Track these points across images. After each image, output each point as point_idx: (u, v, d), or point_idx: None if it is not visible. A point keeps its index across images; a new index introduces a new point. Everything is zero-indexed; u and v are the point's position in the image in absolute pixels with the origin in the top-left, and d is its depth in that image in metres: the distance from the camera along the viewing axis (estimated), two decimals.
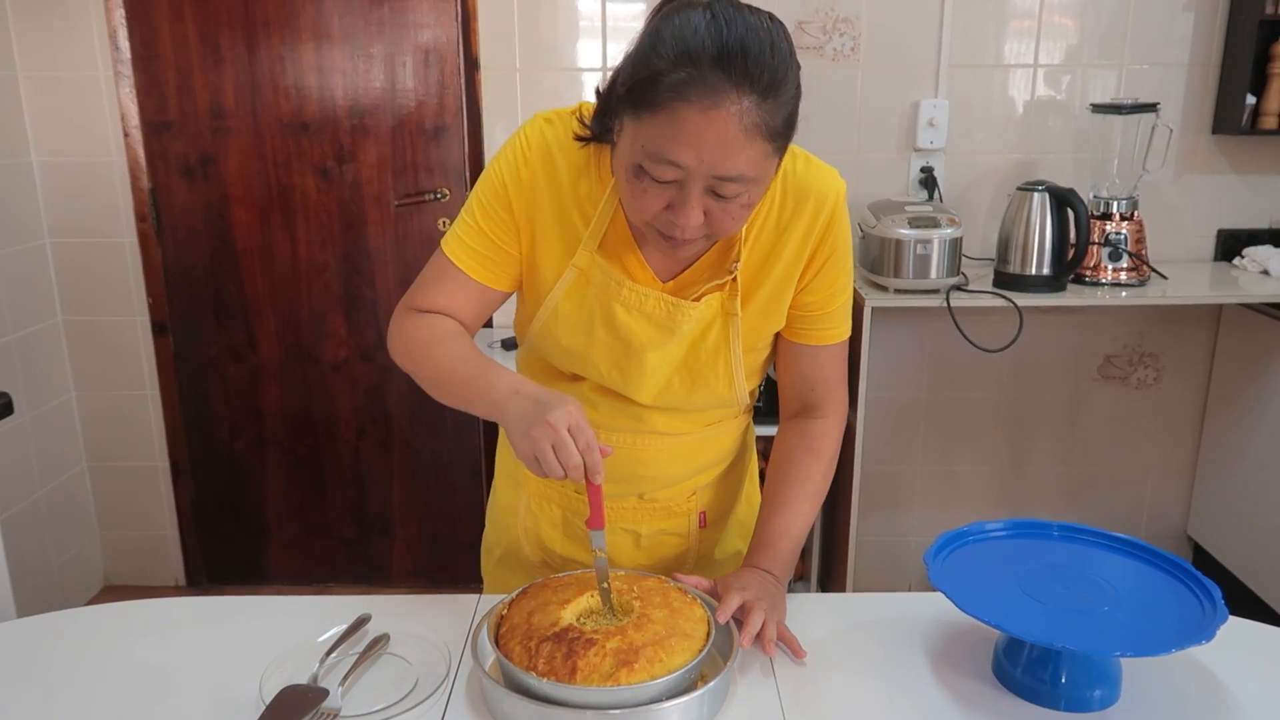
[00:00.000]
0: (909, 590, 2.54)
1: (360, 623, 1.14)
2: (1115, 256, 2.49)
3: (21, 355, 2.76)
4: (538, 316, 1.20)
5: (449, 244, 1.18)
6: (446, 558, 3.14)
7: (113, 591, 3.13)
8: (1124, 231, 2.49)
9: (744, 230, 1.13)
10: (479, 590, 1.32)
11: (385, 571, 3.17)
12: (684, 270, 1.18)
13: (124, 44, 2.72)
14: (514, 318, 1.30)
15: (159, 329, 2.93)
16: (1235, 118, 2.61)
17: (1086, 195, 2.52)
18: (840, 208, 1.17)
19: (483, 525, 1.46)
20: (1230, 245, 2.78)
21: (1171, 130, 2.61)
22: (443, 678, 1.05)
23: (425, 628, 1.14)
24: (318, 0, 2.70)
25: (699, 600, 1.10)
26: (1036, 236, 2.43)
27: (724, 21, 0.94)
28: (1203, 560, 2.89)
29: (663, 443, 1.26)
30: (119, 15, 2.69)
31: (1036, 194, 2.43)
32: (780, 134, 0.98)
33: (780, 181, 1.14)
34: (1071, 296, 2.45)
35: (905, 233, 2.39)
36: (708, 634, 1.04)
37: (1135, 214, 2.52)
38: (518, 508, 1.37)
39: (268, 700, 0.99)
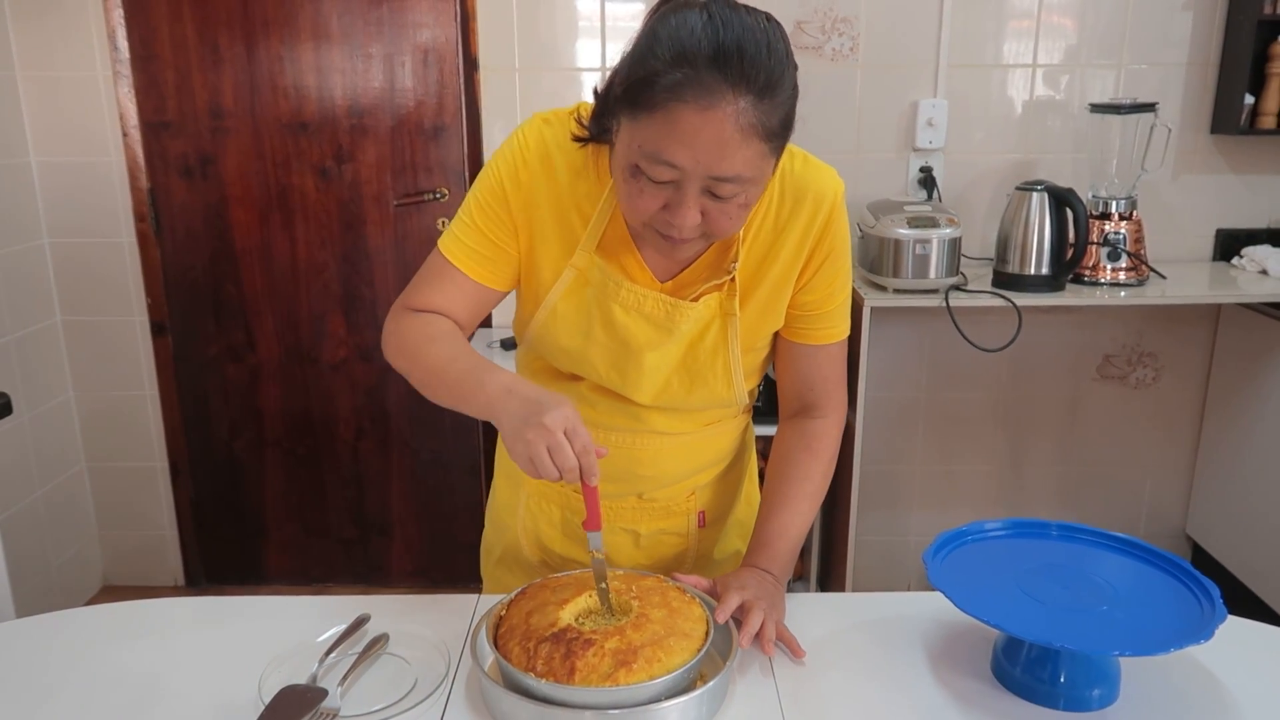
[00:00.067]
0: (908, 590, 2.55)
1: (359, 623, 1.14)
2: (1114, 256, 2.49)
3: (20, 355, 2.76)
4: (536, 317, 1.20)
5: (446, 243, 1.18)
6: (445, 558, 3.14)
7: (112, 592, 3.13)
8: (1123, 231, 2.49)
9: (742, 230, 1.13)
10: (478, 590, 1.32)
11: (384, 571, 3.16)
12: (682, 270, 1.18)
13: (123, 44, 2.71)
14: (513, 318, 1.30)
15: (158, 329, 2.93)
16: (1234, 117, 2.61)
17: (1085, 195, 2.52)
18: (838, 207, 1.17)
19: (482, 525, 1.46)
20: (1229, 245, 2.78)
21: (1170, 130, 2.61)
22: (442, 678, 1.06)
23: (424, 628, 1.14)
24: (316, 0, 2.70)
25: (698, 600, 1.10)
26: (1035, 236, 2.43)
27: (720, 22, 0.94)
28: (1201, 560, 2.90)
29: (661, 442, 1.26)
30: (118, 15, 2.69)
31: (1035, 194, 2.43)
32: (777, 134, 0.98)
33: (778, 181, 1.14)
34: (1070, 296, 2.45)
35: (904, 232, 2.39)
36: (706, 634, 1.04)
37: (1134, 214, 2.52)
38: (517, 508, 1.37)
39: (267, 700, 0.99)
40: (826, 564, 2.78)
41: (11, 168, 2.73)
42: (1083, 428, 2.96)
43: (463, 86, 2.74)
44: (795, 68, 0.99)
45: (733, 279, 1.15)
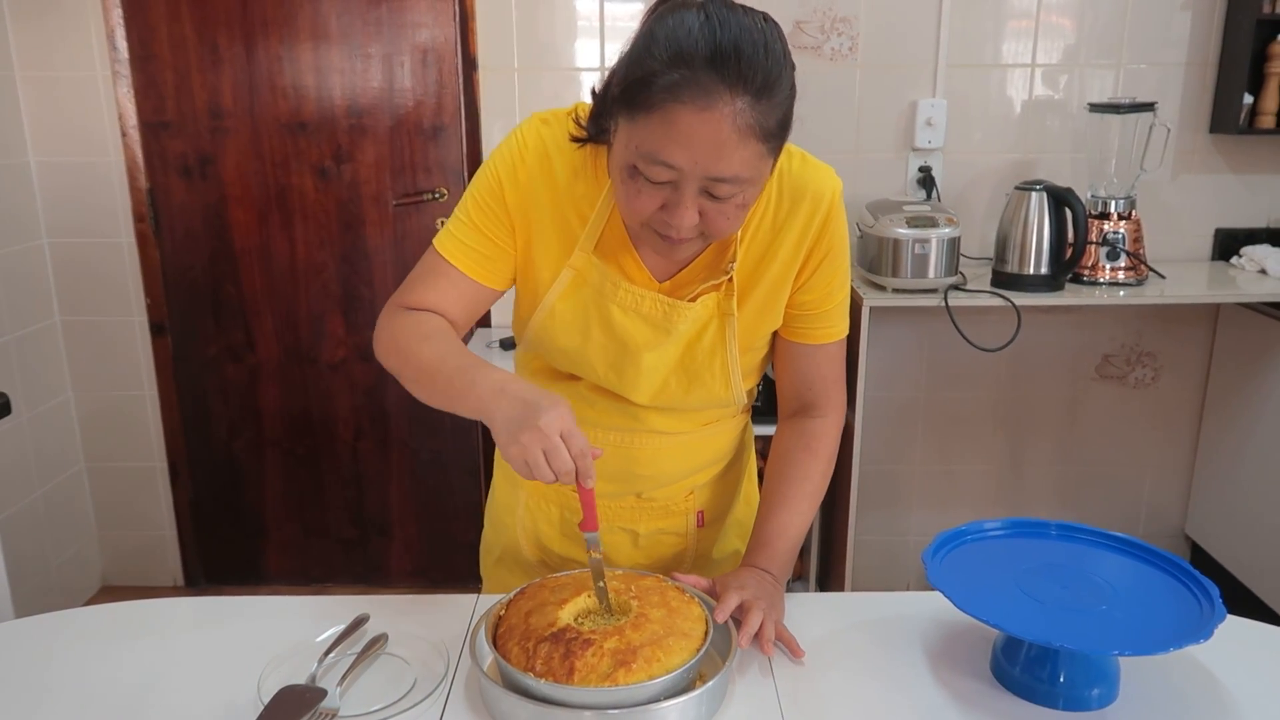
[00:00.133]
0: (907, 589, 2.55)
1: (358, 623, 1.14)
2: (1113, 256, 2.49)
3: (19, 356, 2.76)
4: (534, 317, 1.20)
5: (442, 241, 1.17)
6: (445, 558, 3.14)
7: (111, 592, 3.13)
8: (1122, 231, 2.49)
9: (740, 230, 1.13)
10: (477, 590, 1.32)
11: (383, 571, 3.16)
12: (680, 271, 1.18)
13: (121, 44, 2.71)
14: (511, 318, 1.29)
15: (157, 329, 2.93)
16: (1233, 117, 2.61)
17: (1084, 195, 2.52)
18: (836, 206, 1.17)
19: (481, 525, 1.46)
20: (1228, 244, 2.78)
21: (1169, 129, 2.61)
22: (441, 678, 1.05)
23: (423, 628, 1.14)
24: (315, 0, 2.70)
25: (697, 599, 1.10)
26: (1034, 236, 2.43)
27: (718, 22, 0.93)
28: (1200, 559, 2.90)
29: (660, 442, 1.26)
30: (116, 15, 2.69)
31: (1034, 193, 2.43)
32: (775, 135, 0.98)
33: (776, 180, 1.14)
34: (1069, 296, 2.45)
35: (903, 232, 2.40)
36: (706, 633, 1.04)
37: (1133, 213, 2.52)
38: (516, 507, 1.37)
39: (266, 700, 0.99)
40: (826, 564, 2.78)
41: (10, 168, 2.73)
42: (1082, 427, 2.96)
43: (462, 86, 2.74)
44: (793, 68, 0.99)
45: (730, 279, 1.15)
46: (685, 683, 0.98)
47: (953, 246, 2.42)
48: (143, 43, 2.73)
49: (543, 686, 0.94)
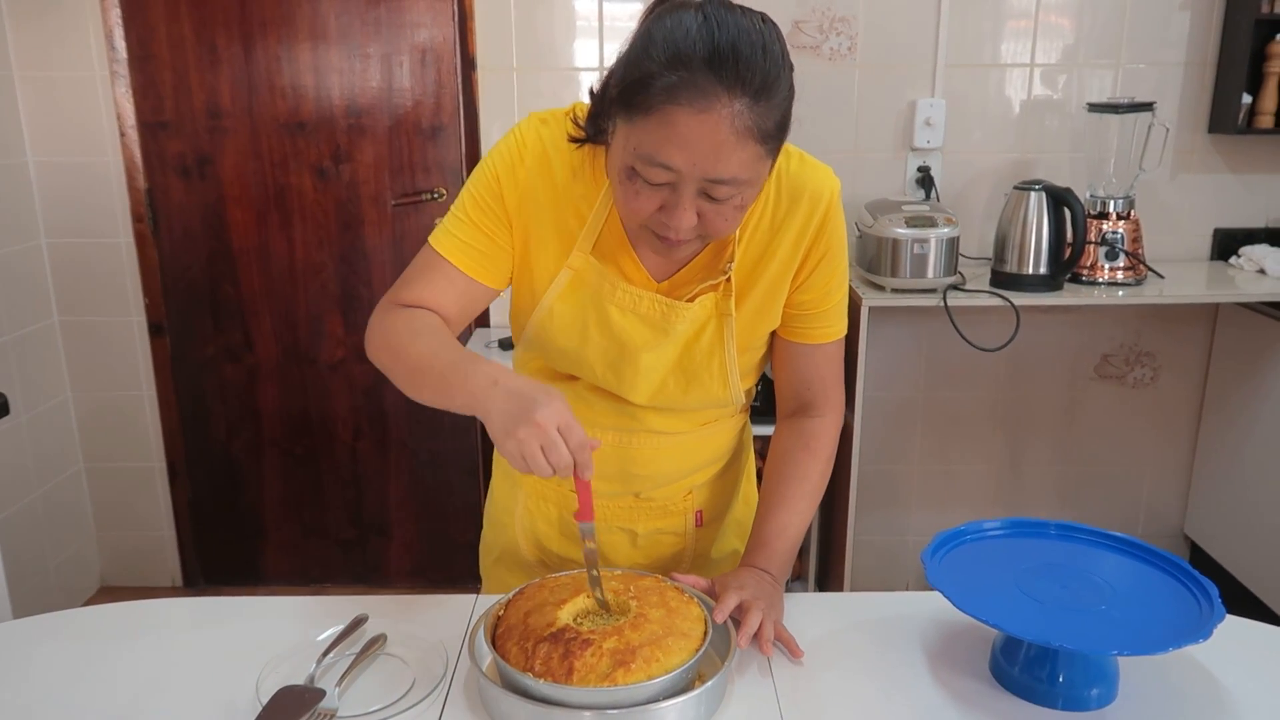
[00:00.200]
0: (906, 589, 2.55)
1: (357, 623, 1.14)
2: (1112, 256, 2.49)
3: (18, 356, 2.76)
4: (533, 317, 1.20)
5: (438, 238, 1.16)
6: (444, 558, 3.14)
7: (109, 592, 3.12)
8: (1120, 231, 2.49)
9: (738, 230, 1.13)
10: (476, 590, 1.32)
11: (382, 572, 3.16)
12: (678, 271, 1.18)
13: (120, 44, 2.71)
14: (509, 318, 1.29)
15: (155, 329, 2.92)
16: (1231, 117, 2.61)
17: (1083, 194, 2.52)
18: (835, 206, 1.17)
19: (480, 525, 1.46)
20: (1227, 244, 2.78)
21: (1168, 129, 2.61)
22: (440, 678, 1.05)
23: (422, 628, 1.14)
24: (314, 0, 2.70)
25: (696, 599, 1.09)
26: (1033, 236, 2.43)
27: (716, 23, 0.93)
28: (1199, 559, 2.90)
29: (658, 442, 1.26)
30: (115, 15, 2.69)
31: (1033, 193, 2.43)
32: (773, 136, 0.98)
33: (774, 180, 1.14)
34: (1068, 296, 2.45)
35: (902, 232, 2.40)
36: (705, 633, 1.03)
37: (1132, 213, 2.52)
38: (514, 507, 1.37)
39: (264, 700, 0.99)
40: (825, 564, 2.78)
41: (9, 168, 2.73)
42: (1081, 427, 2.96)
43: (460, 86, 2.74)
44: (791, 69, 0.99)
45: (728, 279, 1.15)
46: (684, 683, 0.98)
47: (951, 246, 2.42)
48: (141, 43, 2.72)
49: (542, 687, 0.94)
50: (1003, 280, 2.48)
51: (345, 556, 3.15)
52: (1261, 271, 2.58)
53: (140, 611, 1.23)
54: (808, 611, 1.20)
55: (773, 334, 1.25)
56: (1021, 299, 2.41)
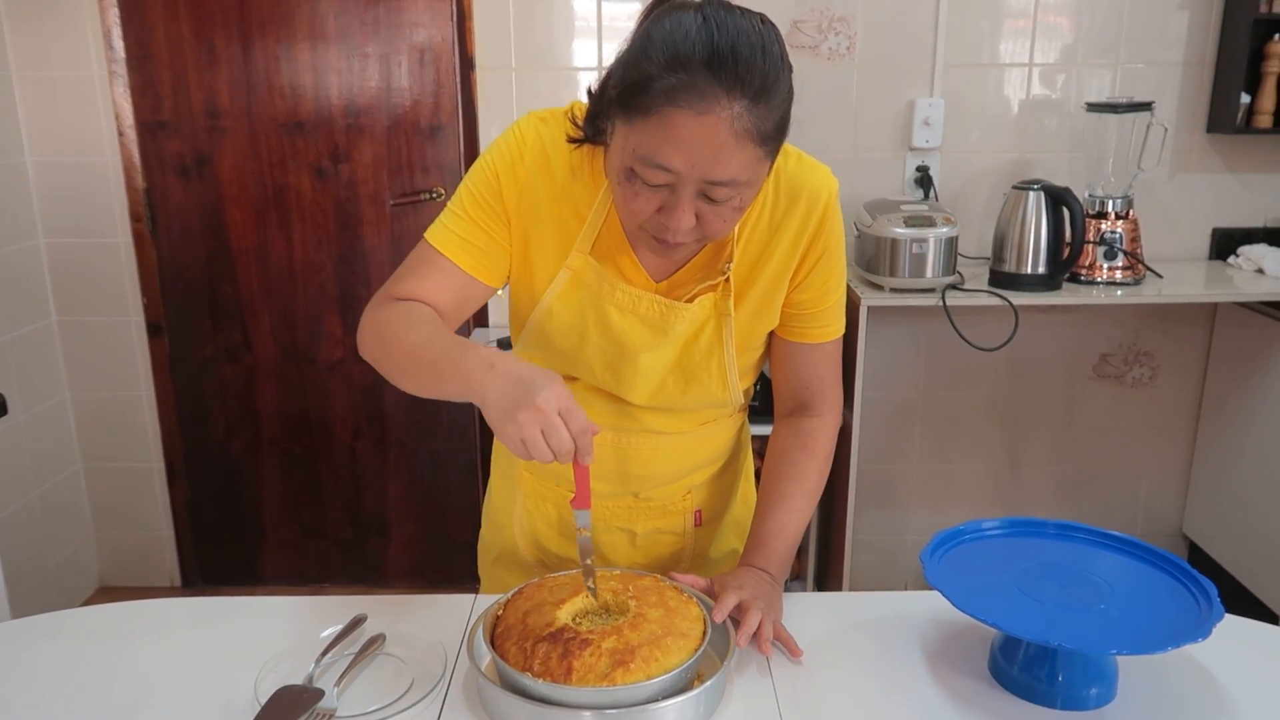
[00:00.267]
0: (905, 589, 2.54)
1: (356, 623, 1.14)
2: (1110, 255, 2.49)
3: (16, 356, 2.75)
4: (532, 317, 1.20)
5: (434, 233, 1.15)
6: (442, 558, 3.14)
7: (108, 593, 3.12)
8: (1119, 230, 2.49)
9: (736, 230, 1.13)
10: (475, 590, 1.32)
11: (381, 572, 3.16)
12: (677, 271, 1.18)
13: (118, 44, 2.71)
14: (509, 317, 1.29)
15: (154, 329, 2.92)
16: (1230, 116, 2.61)
17: (1082, 194, 2.52)
18: (833, 205, 1.17)
19: (479, 525, 1.46)
20: (1225, 244, 2.78)
21: (1166, 129, 2.61)
22: (439, 678, 1.05)
23: (421, 628, 1.14)
24: (313, 0, 2.70)
25: (695, 599, 1.09)
26: (1032, 235, 2.43)
27: (715, 25, 0.93)
28: (1198, 558, 2.90)
29: (657, 441, 1.26)
30: (113, 15, 2.68)
31: (1032, 193, 2.43)
32: (772, 138, 0.98)
33: (772, 180, 1.14)
34: (1067, 295, 2.45)
35: (901, 232, 2.40)
36: (704, 633, 1.03)
37: (1130, 213, 2.52)
38: (513, 508, 1.37)
39: (263, 701, 0.99)
40: (824, 563, 2.78)
41: (7, 167, 2.72)
42: (1079, 427, 2.96)
43: (459, 86, 2.74)
44: (790, 70, 0.99)
45: (727, 279, 1.15)
46: (683, 683, 0.98)
47: (950, 246, 2.42)
48: (139, 42, 2.72)
49: (541, 686, 0.94)
50: (1001, 280, 2.48)
51: (344, 556, 3.15)
52: (1260, 271, 2.59)
53: (139, 611, 1.23)
54: (807, 611, 1.20)
55: (771, 334, 1.25)
56: (1020, 298, 2.41)
